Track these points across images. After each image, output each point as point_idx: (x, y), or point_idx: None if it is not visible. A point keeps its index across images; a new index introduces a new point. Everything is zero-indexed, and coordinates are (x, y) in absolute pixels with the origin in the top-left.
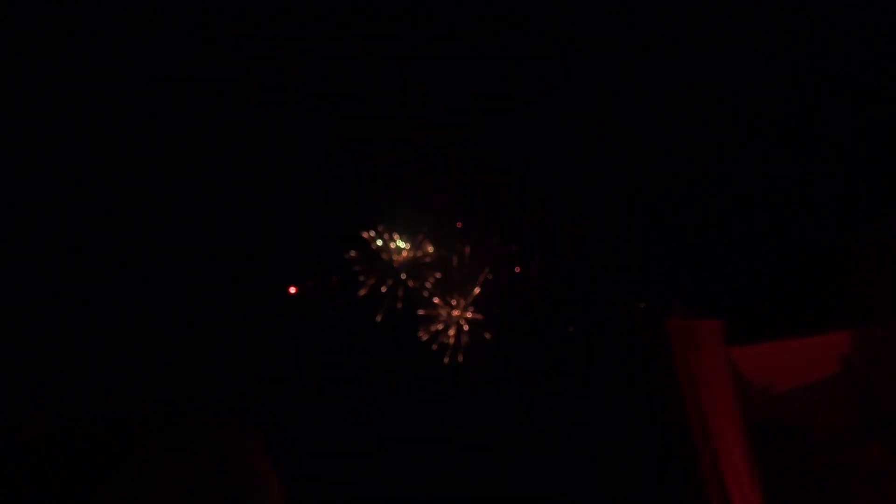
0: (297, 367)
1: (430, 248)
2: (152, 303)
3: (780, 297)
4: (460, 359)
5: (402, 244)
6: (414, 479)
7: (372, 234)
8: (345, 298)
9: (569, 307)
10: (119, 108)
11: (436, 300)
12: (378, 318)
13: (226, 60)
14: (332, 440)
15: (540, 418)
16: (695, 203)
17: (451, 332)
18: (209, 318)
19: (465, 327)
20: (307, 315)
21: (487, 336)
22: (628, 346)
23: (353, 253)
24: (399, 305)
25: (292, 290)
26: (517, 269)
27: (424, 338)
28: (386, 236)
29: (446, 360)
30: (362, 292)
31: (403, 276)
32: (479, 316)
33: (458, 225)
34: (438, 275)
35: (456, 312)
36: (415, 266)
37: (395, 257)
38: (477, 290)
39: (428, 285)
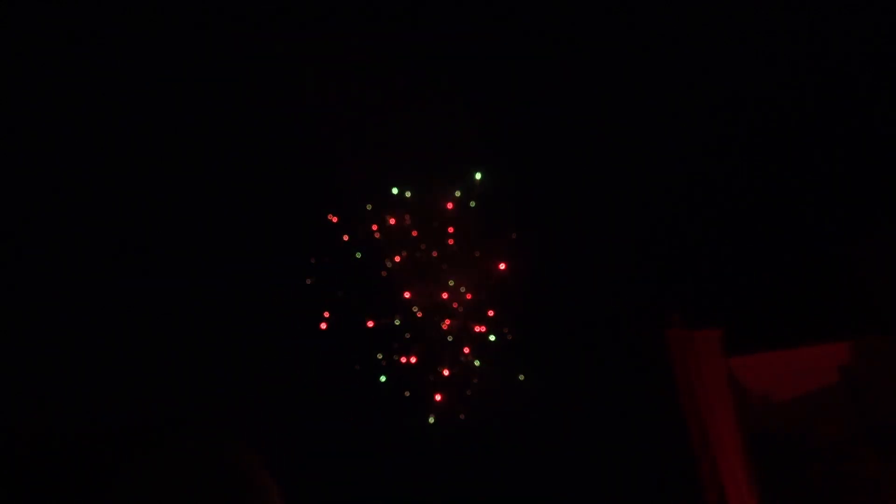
0: (297, 371)
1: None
2: (155, 308)
3: (778, 307)
4: (460, 370)
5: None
6: (414, 480)
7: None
8: (345, 298)
9: (569, 317)
10: (119, 108)
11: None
12: (376, 321)
13: (224, 60)
14: (331, 442)
15: (539, 426)
16: (695, 214)
17: (450, 338)
18: (211, 322)
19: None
20: (306, 319)
21: (489, 345)
22: (628, 354)
23: (345, 237)
24: (396, 319)
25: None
26: (518, 279)
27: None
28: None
29: (446, 372)
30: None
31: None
32: (481, 327)
33: (452, 231)
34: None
35: (448, 322)
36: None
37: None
38: (478, 299)
39: (426, 292)
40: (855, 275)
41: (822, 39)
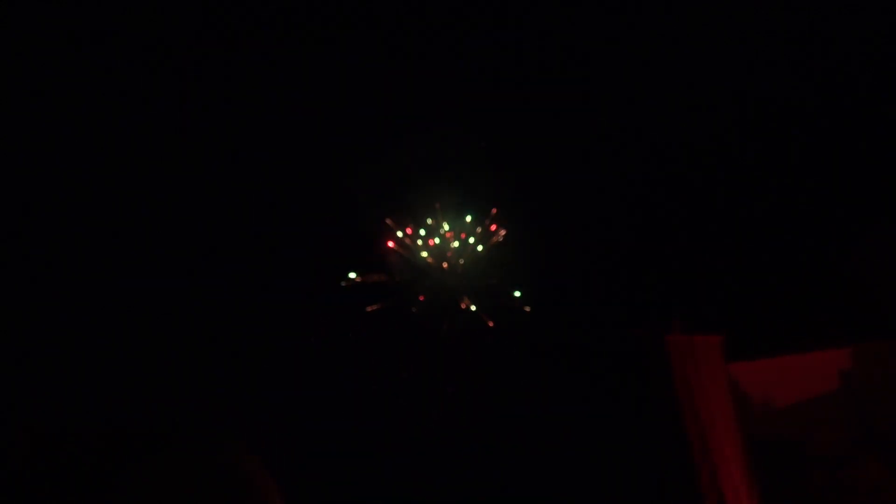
0: (297, 371)
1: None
2: (153, 308)
3: (779, 313)
4: (461, 373)
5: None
6: (413, 480)
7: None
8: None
9: (568, 321)
10: (119, 109)
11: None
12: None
13: (224, 60)
14: (332, 442)
15: (540, 431)
16: (696, 220)
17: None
18: (211, 322)
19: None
20: (306, 318)
21: (488, 348)
22: (628, 360)
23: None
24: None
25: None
26: (517, 285)
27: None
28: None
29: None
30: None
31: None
32: (484, 318)
33: (450, 235)
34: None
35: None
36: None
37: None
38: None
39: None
40: (856, 280)
41: (822, 39)
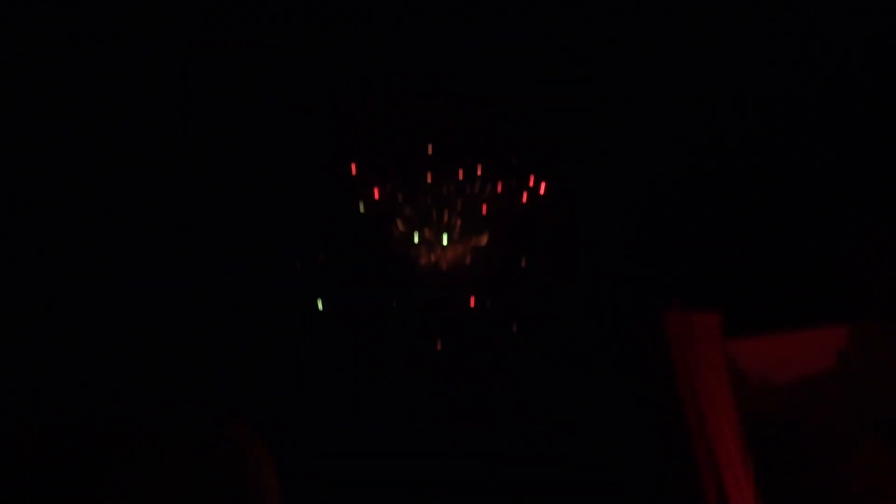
0: (296, 364)
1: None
2: (147, 299)
3: (778, 289)
4: (456, 362)
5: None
6: (413, 479)
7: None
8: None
9: (562, 300)
10: (119, 109)
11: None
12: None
13: (224, 59)
14: (332, 440)
15: (534, 414)
16: (691, 194)
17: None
18: (210, 322)
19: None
20: (305, 311)
21: (483, 331)
22: (623, 337)
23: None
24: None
25: None
26: (511, 264)
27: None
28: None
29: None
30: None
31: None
32: (483, 300)
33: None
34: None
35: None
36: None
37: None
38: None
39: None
40: (856, 258)
41: (822, 39)
